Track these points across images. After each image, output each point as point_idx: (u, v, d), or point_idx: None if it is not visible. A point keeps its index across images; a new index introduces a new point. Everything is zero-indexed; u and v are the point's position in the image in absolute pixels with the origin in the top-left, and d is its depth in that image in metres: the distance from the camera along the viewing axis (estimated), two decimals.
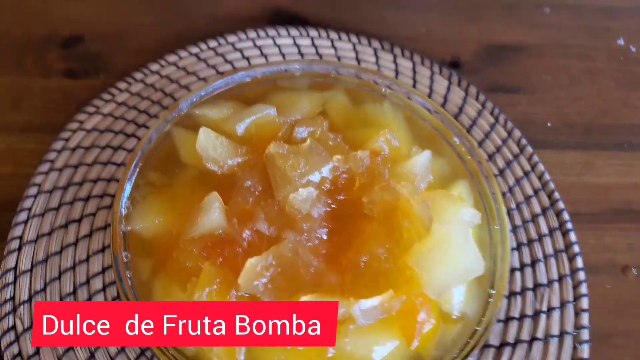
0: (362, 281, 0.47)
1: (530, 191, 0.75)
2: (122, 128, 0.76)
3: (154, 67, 0.81)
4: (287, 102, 0.58)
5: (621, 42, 0.95)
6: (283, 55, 0.81)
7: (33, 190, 0.71)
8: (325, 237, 0.50)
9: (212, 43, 0.83)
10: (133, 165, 0.52)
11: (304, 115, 0.57)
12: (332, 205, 0.51)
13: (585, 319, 0.66)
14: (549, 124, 0.84)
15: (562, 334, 0.65)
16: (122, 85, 0.81)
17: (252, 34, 0.84)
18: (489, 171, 0.55)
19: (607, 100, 0.88)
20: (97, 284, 0.65)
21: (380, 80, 0.60)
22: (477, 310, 0.49)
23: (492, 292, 0.49)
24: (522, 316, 0.66)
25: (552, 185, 0.76)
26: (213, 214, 0.48)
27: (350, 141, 0.55)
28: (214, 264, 0.47)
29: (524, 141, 0.79)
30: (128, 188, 0.51)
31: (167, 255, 0.49)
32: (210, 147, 0.52)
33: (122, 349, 0.61)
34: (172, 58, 0.82)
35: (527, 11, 0.98)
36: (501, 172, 0.76)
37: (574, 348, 0.64)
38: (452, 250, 0.46)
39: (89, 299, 0.64)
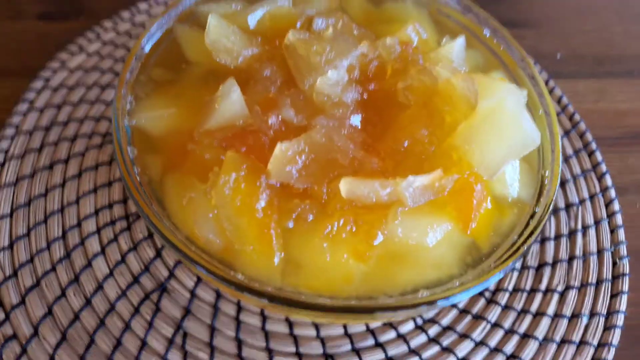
0: (405, 166, 0.41)
1: None
2: (111, 66, 0.70)
3: (143, 5, 0.75)
4: (301, 0, 0.52)
5: None
6: None
7: (10, 132, 0.63)
8: (359, 125, 0.44)
9: None
10: (134, 57, 0.45)
11: (320, 11, 0.51)
12: (364, 95, 0.45)
13: (621, 234, 0.62)
14: (558, 56, 0.81)
15: (600, 251, 0.61)
16: (108, 24, 0.74)
17: None
18: (523, 56, 0.50)
19: (613, 32, 0.86)
20: (90, 226, 0.58)
21: None
22: (533, 194, 0.44)
23: (547, 173, 0.44)
24: (558, 236, 0.61)
25: (571, 109, 0.72)
26: (232, 98, 0.41)
27: (375, 35, 0.50)
28: (237, 152, 0.40)
29: (537, 67, 0.75)
30: (130, 80, 0.44)
31: (180, 152, 0.42)
32: (222, 36, 0.45)
33: (124, 293, 0.54)
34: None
35: None
36: None
37: (614, 264, 0.60)
38: (506, 122, 0.41)
39: (82, 243, 0.56)
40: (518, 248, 0.40)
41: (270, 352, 0.52)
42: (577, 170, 0.67)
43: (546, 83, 0.74)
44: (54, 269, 0.55)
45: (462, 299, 0.37)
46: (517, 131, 0.41)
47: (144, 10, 0.75)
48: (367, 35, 0.48)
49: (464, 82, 0.43)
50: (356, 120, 0.44)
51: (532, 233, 0.40)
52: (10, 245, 0.56)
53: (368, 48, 0.46)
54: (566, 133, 0.70)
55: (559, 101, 0.73)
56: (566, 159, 0.68)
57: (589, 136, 0.70)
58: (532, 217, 0.42)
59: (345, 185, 0.39)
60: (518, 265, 0.59)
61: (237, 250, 0.38)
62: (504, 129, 0.41)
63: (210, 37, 0.46)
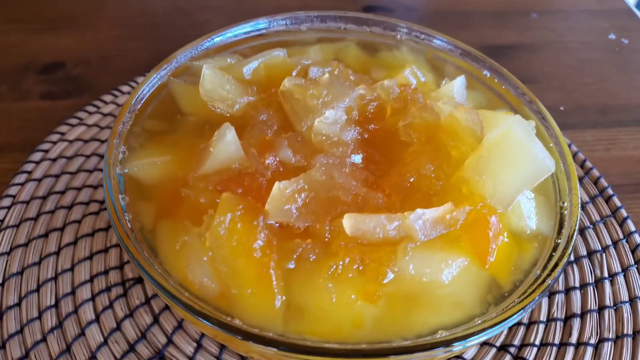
0: (412, 201, 0.38)
1: None
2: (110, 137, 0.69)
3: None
4: (297, 52, 0.52)
5: (613, 36, 0.95)
6: None
7: (6, 202, 0.62)
8: (360, 163, 0.42)
9: None
10: (128, 109, 0.44)
11: (315, 61, 0.51)
12: (365, 135, 0.44)
13: None
14: (561, 108, 0.81)
15: (632, 299, 0.56)
16: (107, 97, 0.75)
17: None
18: (529, 95, 0.49)
19: (614, 84, 0.86)
20: (84, 293, 0.54)
21: (396, 26, 0.55)
22: (553, 227, 0.41)
23: (565, 204, 0.41)
24: (584, 285, 0.57)
25: (581, 155, 0.70)
26: (228, 140, 0.40)
27: (372, 80, 0.49)
28: (234, 193, 0.38)
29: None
30: (121, 128, 0.43)
31: (173, 199, 0.40)
32: (217, 86, 0.45)
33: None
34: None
35: (514, 17, 0.99)
36: None
37: None
38: (516, 150, 0.39)
39: (75, 311, 0.53)
40: (543, 281, 0.36)
41: None
42: (595, 217, 0.64)
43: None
44: (44, 339, 0.51)
45: (485, 337, 0.33)
46: (528, 159, 0.39)
47: None
48: (364, 79, 0.48)
49: (468, 114, 0.41)
50: (357, 158, 0.42)
51: (557, 264, 0.37)
52: (0, 316, 0.52)
53: (366, 90, 0.46)
54: (579, 180, 0.67)
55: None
56: (583, 206, 0.65)
57: (603, 182, 0.67)
58: (554, 249, 0.38)
59: (349, 221, 0.36)
60: (544, 317, 0.55)
61: (234, 294, 0.35)
62: (514, 158, 0.39)
63: (205, 87, 0.45)
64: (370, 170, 0.42)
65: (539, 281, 0.36)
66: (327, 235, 0.37)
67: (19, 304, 0.53)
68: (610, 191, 0.66)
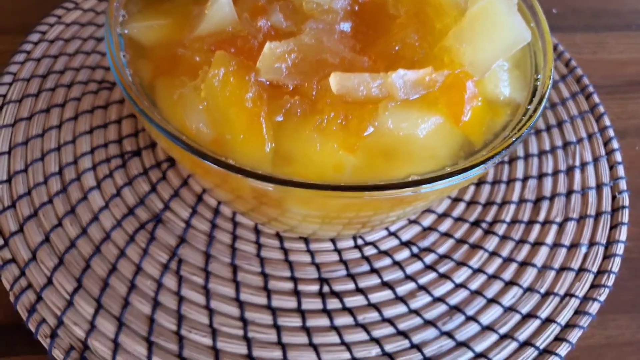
0: (396, 67, 0.41)
1: None
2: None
3: None
4: None
5: None
6: None
7: (7, 79, 0.64)
8: (349, 32, 0.44)
9: None
10: None
11: None
12: (355, 7, 0.46)
13: (620, 170, 0.62)
14: (554, 11, 0.82)
15: (599, 186, 0.60)
16: None
17: None
18: None
19: None
20: (85, 163, 0.58)
21: None
22: (525, 97, 0.43)
23: (539, 77, 0.44)
24: (556, 172, 0.61)
25: (567, 55, 0.72)
26: (222, 3, 0.41)
27: None
28: (227, 52, 0.40)
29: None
30: None
31: (170, 59, 0.43)
32: None
33: (119, 223, 0.54)
34: None
35: None
36: None
37: (614, 198, 0.59)
38: (496, 21, 0.41)
39: (78, 178, 0.57)
40: (508, 140, 0.39)
41: (265, 276, 0.51)
42: (574, 111, 0.67)
43: None
44: (50, 201, 0.55)
45: (452, 183, 0.37)
46: (507, 29, 0.41)
47: None
48: None
49: None
50: (346, 26, 0.44)
51: (524, 125, 0.40)
52: (8, 180, 0.56)
53: None
54: (563, 77, 0.70)
55: (555, 48, 0.73)
56: (563, 102, 0.67)
57: (585, 80, 0.69)
58: (524, 114, 0.42)
59: (335, 78, 0.39)
60: (516, 198, 0.59)
61: (227, 139, 0.38)
62: (494, 28, 0.41)
63: None
64: (358, 39, 0.44)
65: (507, 139, 0.40)
66: (314, 93, 0.40)
67: (25, 170, 0.57)
68: (590, 89, 0.68)
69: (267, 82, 0.40)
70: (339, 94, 0.39)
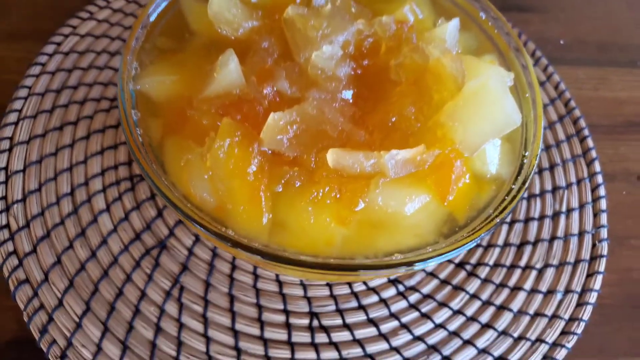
0: (391, 141, 0.44)
1: (545, 100, 0.73)
2: (119, 34, 0.72)
3: None
4: None
5: None
6: None
7: (23, 93, 0.66)
8: (350, 99, 0.46)
9: None
10: (141, 25, 0.48)
11: None
12: (357, 71, 0.48)
13: (603, 218, 0.65)
14: (561, 41, 0.83)
15: (581, 233, 0.63)
16: None
17: None
18: (518, 43, 0.52)
19: (620, 20, 0.87)
20: (96, 184, 0.61)
21: None
22: (511, 172, 0.46)
23: (527, 154, 0.47)
24: (542, 217, 0.64)
25: (567, 95, 0.74)
26: (230, 69, 0.44)
27: (372, 13, 0.52)
28: (233, 119, 0.43)
29: (538, 53, 0.77)
30: (136, 46, 0.47)
31: (180, 117, 0.45)
32: (224, 9, 0.48)
33: (126, 247, 0.57)
34: None
35: None
36: None
37: (593, 246, 0.63)
38: (489, 102, 0.43)
39: (88, 200, 0.60)
40: (491, 221, 0.42)
41: (260, 307, 0.55)
42: (567, 155, 0.69)
43: (545, 68, 0.76)
44: (62, 222, 0.58)
45: (432, 264, 0.40)
46: (499, 111, 0.43)
47: None
48: (364, 13, 0.50)
49: (453, 62, 0.45)
50: (348, 94, 0.46)
51: (505, 208, 0.43)
52: (24, 199, 0.59)
53: (364, 25, 0.48)
54: (560, 119, 0.72)
55: (556, 87, 0.74)
56: (558, 144, 0.70)
57: (582, 123, 0.71)
58: (508, 193, 0.44)
59: (332, 155, 0.41)
60: (502, 242, 0.62)
61: (229, 209, 0.41)
62: (486, 109, 0.43)
63: (213, 9, 0.48)
64: (359, 105, 0.46)
65: (488, 220, 0.43)
66: (312, 165, 0.42)
67: (39, 190, 0.60)
68: (586, 132, 0.71)
69: (269, 151, 0.43)
70: (335, 168, 0.42)
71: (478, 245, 0.62)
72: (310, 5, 0.51)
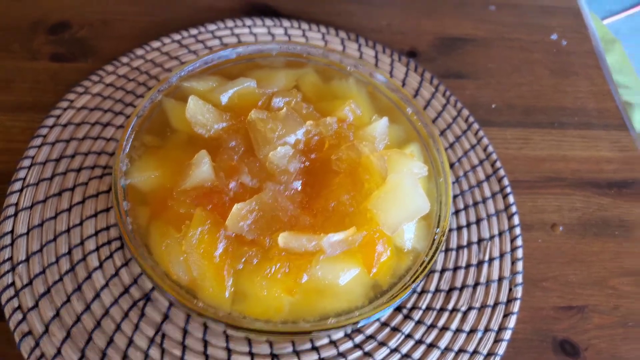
0: (330, 222, 0.55)
1: (476, 161, 0.86)
2: (111, 107, 0.83)
3: (139, 52, 0.88)
4: (265, 77, 0.66)
5: (555, 36, 1.07)
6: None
7: (27, 162, 0.77)
8: (299, 188, 0.58)
9: (193, 31, 0.91)
10: (130, 128, 0.59)
11: (280, 89, 0.65)
12: (306, 163, 0.60)
13: (519, 266, 0.77)
14: (493, 106, 0.96)
15: (500, 279, 0.76)
16: (109, 68, 0.87)
17: (230, 23, 0.92)
18: (433, 132, 0.65)
19: (543, 86, 1.00)
20: (90, 245, 0.72)
21: (347, 60, 0.69)
22: (426, 246, 0.58)
23: (437, 230, 0.59)
24: (468, 265, 0.77)
25: (494, 156, 0.87)
26: (203, 167, 0.56)
27: (320, 111, 0.64)
28: (204, 209, 0.54)
29: (471, 119, 0.90)
30: (127, 147, 0.59)
31: (163, 205, 0.57)
32: (198, 113, 0.59)
33: (116, 300, 0.68)
34: (156, 44, 0.89)
35: (475, 8, 1.10)
36: (451, 145, 0.86)
37: (510, 290, 0.75)
38: (403, 194, 0.55)
39: (84, 258, 0.71)
40: (407, 287, 0.55)
41: (229, 351, 0.67)
42: (491, 210, 0.82)
43: (477, 132, 0.89)
44: (61, 279, 0.69)
45: (361, 325, 0.52)
46: (411, 202, 0.55)
47: (140, 55, 0.89)
48: (312, 114, 0.62)
49: (378, 159, 0.57)
50: (297, 184, 0.58)
51: (417, 277, 0.55)
52: (27, 259, 0.70)
53: (312, 125, 0.61)
54: (487, 177, 0.85)
55: (485, 149, 0.87)
56: (484, 200, 0.82)
57: (505, 181, 0.84)
58: (421, 264, 0.57)
59: (282, 239, 0.53)
60: (433, 288, 0.74)
61: (199, 284, 0.53)
62: (401, 200, 0.55)
63: (190, 114, 0.60)
64: (306, 192, 0.58)
65: (405, 286, 0.55)
66: (267, 245, 0.54)
67: (40, 251, 0.71)
68: (508, 189, 0.84)
69: (233, 235, 0.55)
70: (285, 248, 0.54)
71: (413, 291, 0.74)
72: (270, 107, 0.63)
